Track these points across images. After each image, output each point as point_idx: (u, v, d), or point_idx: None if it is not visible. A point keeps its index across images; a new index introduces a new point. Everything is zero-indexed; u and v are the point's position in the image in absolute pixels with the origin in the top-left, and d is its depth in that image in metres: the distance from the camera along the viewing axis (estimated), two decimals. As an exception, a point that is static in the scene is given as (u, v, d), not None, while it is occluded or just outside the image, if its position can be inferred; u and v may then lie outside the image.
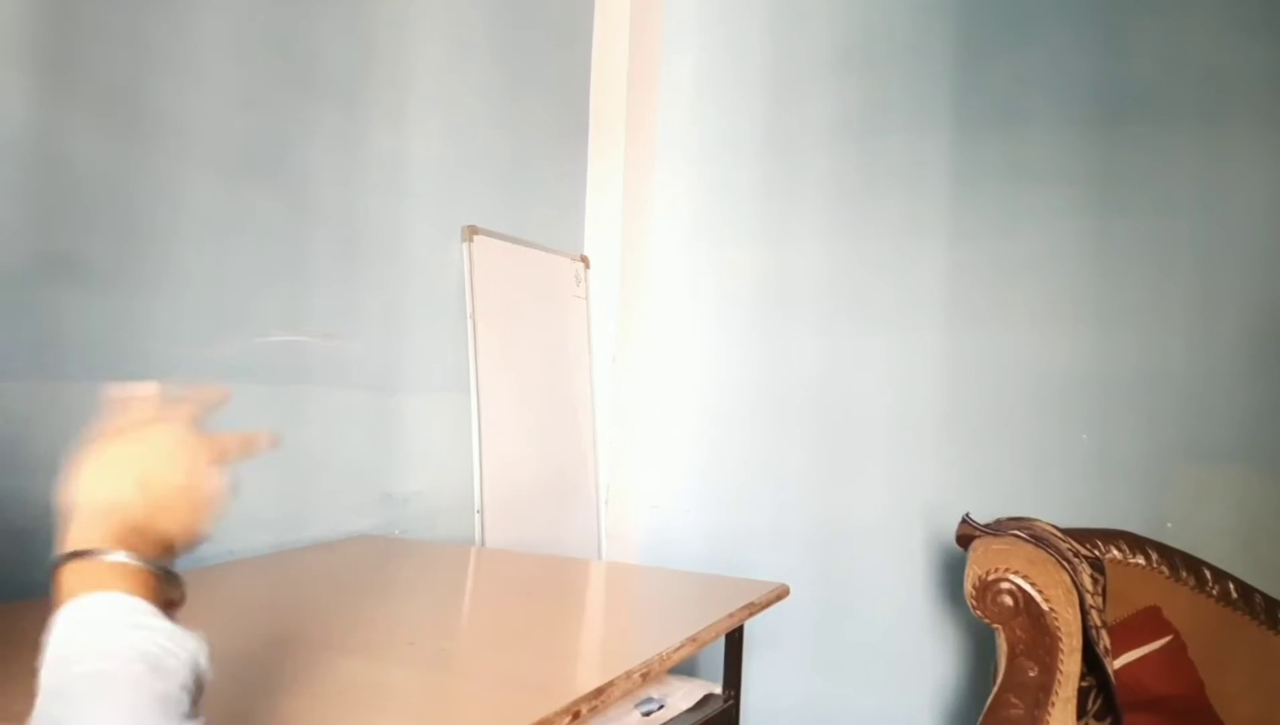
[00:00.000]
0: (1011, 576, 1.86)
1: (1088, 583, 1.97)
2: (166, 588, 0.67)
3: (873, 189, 2.78)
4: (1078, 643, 1.85)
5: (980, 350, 2.64)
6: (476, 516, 2.31)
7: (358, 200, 2.03)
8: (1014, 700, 1.86)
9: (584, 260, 2.86)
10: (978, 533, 2.03)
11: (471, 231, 2.36)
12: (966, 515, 2.12)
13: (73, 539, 0.66)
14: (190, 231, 1.67)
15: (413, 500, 2.19)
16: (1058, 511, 2.42)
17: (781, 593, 1.70)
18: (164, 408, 0.76)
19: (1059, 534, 2.14)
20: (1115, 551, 2.25)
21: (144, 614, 0.61)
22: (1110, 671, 1.89)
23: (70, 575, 0.63)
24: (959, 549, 2.14)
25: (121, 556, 0.64)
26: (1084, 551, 2.18)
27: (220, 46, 1.71)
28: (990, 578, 1.87)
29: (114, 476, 0.70)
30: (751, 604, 1.58)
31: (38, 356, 1.43)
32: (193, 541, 0.73)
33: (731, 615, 1.50)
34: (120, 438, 0.72)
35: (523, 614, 1.53)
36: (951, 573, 2.62)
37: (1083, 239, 2.52)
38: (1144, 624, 2.17)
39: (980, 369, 2.65)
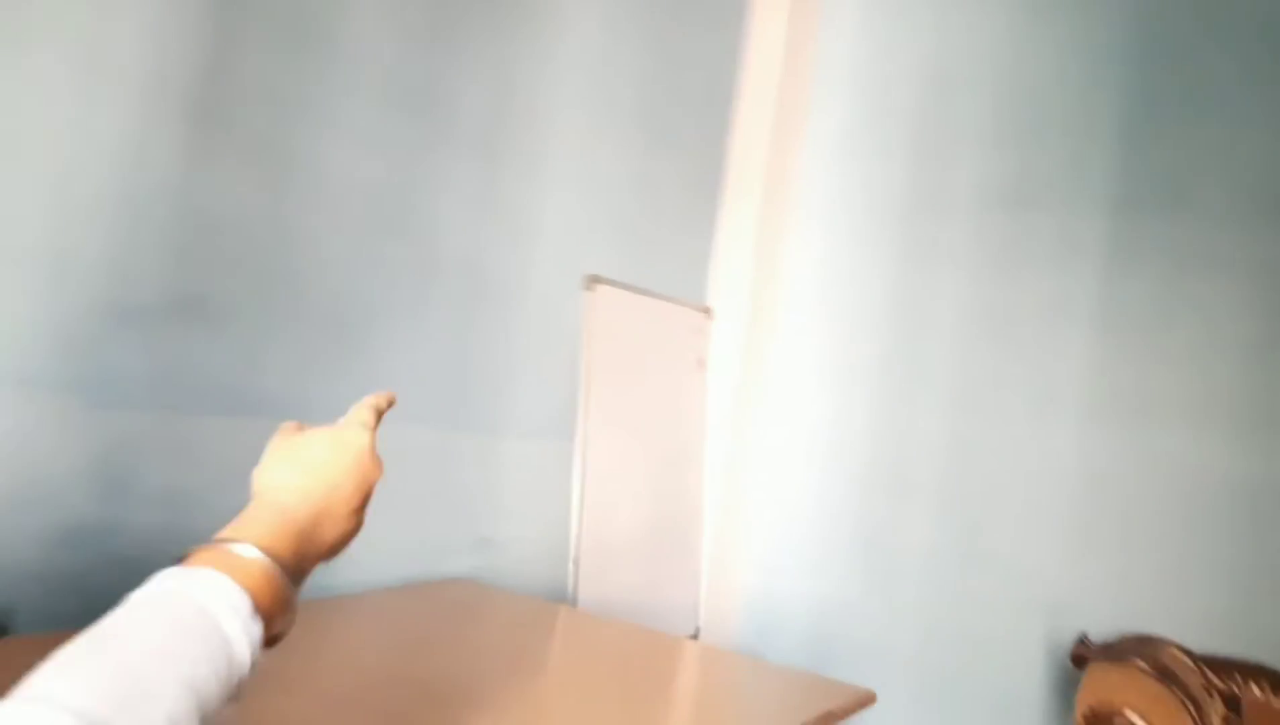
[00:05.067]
0: (1126, 712, 1.71)
1: (1217, 727, 1.78)
2: (280, 601, 0.62)
3: (1017, 266, 2.63)
4: (1198, 795, 1.68)
5: (1125, 445, 2.45)
6: (571, 567, 2.31)
7: (483, 247, 2.07)
8: (1118, 847, 1.70)
9: (707, 312, 2.83)
10: (1094, 655, 1.88)
11: (593, 280, 2.37)
12: (1083, 636, 1.96)
13: (230, 528, 0.64)
14: (317, 275, 1.74)
15: (509, 546, 2.21)
16: (1195, 633, 2.21)
17: (865, 699, 1.61)
18: (355, 414, 0.77)
19: (1190, 661, 1.95)
20: (1256, 689, 2.04)
21: (230, 602, 0.57)
22: (1234, 831, 1.71)
23: (195, 556, 0.61)
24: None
25: (252, 551, 0.62)
26: (1219, 685, 1.98)
27: (359, 96, 1.78)
28: (1102, 710, 1.73)
29: (302, 473, 0.69)
30: (829, 713, 1.51)
31: (162, 390, 1.52)
32: (341, 551, 0.72)
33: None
34: (319, 437, 0.73)
35: (600, 692, 1.51)
36: (1068, 687, 2.44)
37: (1246, 336, 2.30)
38: (1284, 777, 1.95)
39: (1123, 465, 2.45)
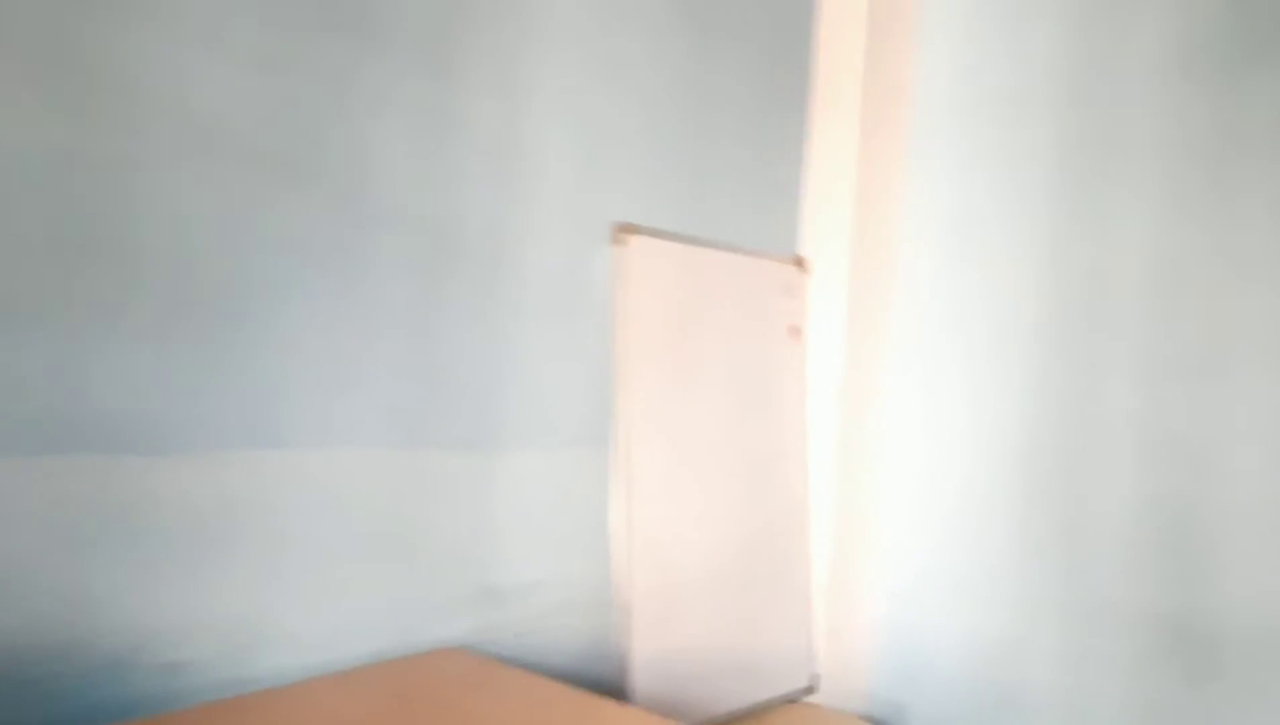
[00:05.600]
0: None
1: None
2: None
3: (1237, 152, 1.83)
4: None
5: None
6: (620, 616, 1.72)
7: (448, 195, 1.50)
8: None
9: (799, 263, 2.16)
10: None
11: (624, 231, 1.76)
12: None
13: None
14: (177, 242, 1.21)
15: (527, 595, 1.64)
16: None
17: None
18: None
19: None
20: None
21: None
22: None
23: None
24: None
25: None
26: None
27: (217, -13, 1.24)
28: None
29: None
30: None
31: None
32: None
33: None
34: None
35: None
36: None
37: None
38: None
39: None
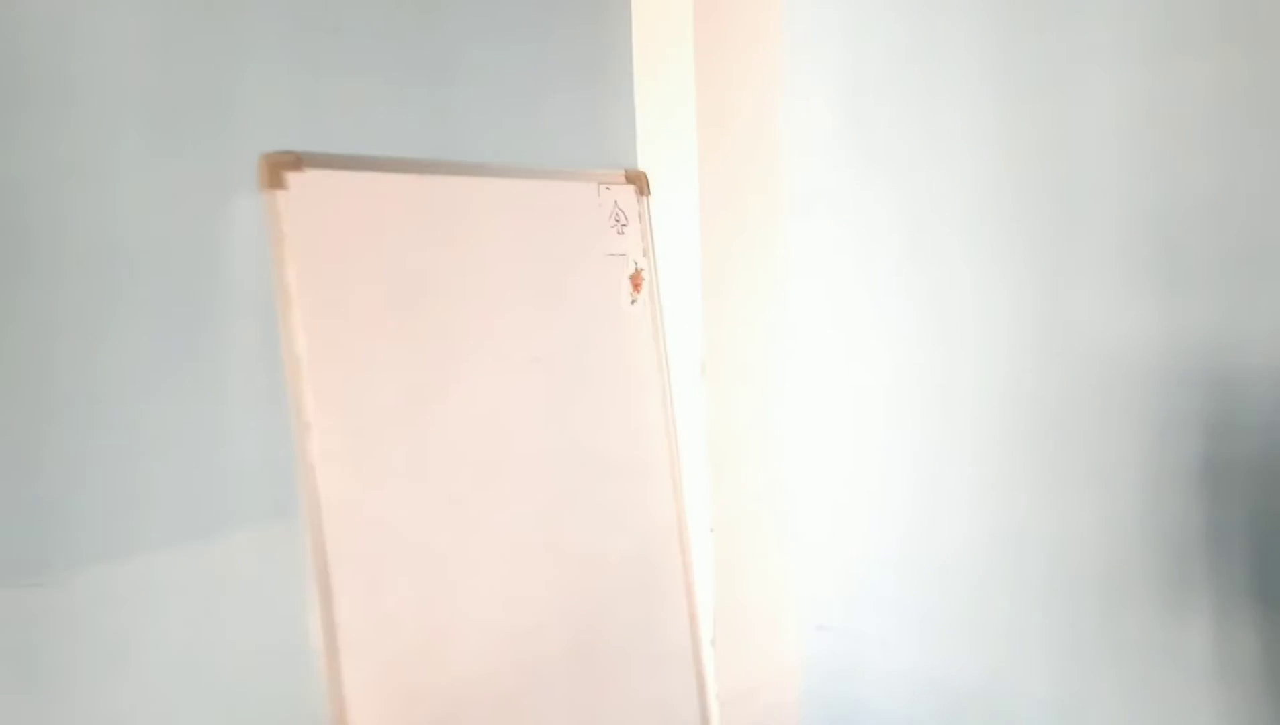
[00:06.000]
0: None
1: None
2: None
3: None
4: None
5: None
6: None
7: None
8: None
9: (635, 181, 1.47)
10: None
11: (280, 165, 1.07)
12: None
13: None
14: None
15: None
16: None
17: None
18: None
19: None
20: None
21: None
22: None
23: None
24: None
25: None
26: None
27: None
28: None
29: None
30: None
31: None
32: None
33: None
34: None
35: None
36: None
37: None
38: None
39: None
